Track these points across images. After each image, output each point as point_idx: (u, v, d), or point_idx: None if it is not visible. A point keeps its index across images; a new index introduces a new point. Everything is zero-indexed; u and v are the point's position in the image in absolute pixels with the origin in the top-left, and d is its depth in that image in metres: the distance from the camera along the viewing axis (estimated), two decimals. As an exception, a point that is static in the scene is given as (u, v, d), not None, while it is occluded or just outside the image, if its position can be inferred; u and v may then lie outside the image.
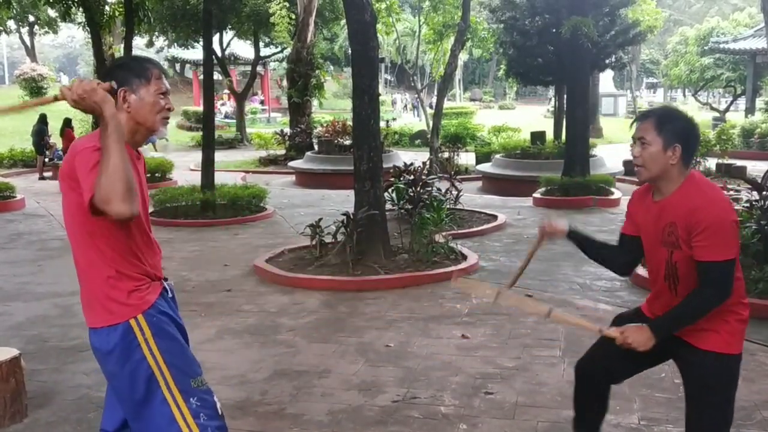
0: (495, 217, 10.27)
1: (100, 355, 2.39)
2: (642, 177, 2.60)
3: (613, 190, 12.74)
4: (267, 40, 29.34)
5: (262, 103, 43.58)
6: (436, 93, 21.54)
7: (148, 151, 21.38)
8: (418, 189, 8.69)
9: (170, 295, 2.57)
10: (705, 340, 2.56)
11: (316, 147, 19.72)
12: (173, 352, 2.41)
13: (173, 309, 2.55)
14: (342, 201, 11.80)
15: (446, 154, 18.05)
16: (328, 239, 7.78)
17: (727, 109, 33.86)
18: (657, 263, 2.65)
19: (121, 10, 15.93)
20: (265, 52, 30.90)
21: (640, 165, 2.57)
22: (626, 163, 16.80)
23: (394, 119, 33.85)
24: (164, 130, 2.54)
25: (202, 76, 12.55)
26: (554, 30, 14.46)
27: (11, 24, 36.09)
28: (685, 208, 2.48)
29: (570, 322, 2.75)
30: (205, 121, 11.67)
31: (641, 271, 6.84)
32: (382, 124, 14.34)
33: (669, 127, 2.52)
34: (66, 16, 16.73)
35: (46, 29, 38.07)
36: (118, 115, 2.25)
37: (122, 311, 2.34)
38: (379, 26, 14.41)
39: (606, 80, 38.14)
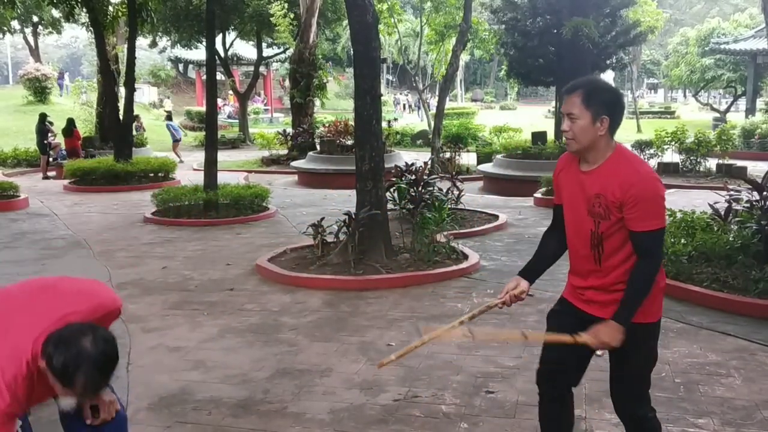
0: (496, 217, 10.29)
1: None
2: (572, 149, 2.64)
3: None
4: (269, 40, 29.41)
5: (264, 103, 43.63)
6: (437, 93, 21.56)
7: (147, 151, 21.38)
8: (420, 189, 8.70)
9: None
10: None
11: (318, 147, 19.74)
12: None
13: None
14: (344, 201, 11.82)
15: (448, 155, 18.06)
16: (330, 239, 7.80)
17: (727, 110, 33.88)
18: (582, 233, 2.69)
19: (124, 10, 16.00)
20: (267, 52, 30.97)
21: (571, 138, 2.60)
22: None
23: (395, 119, 33.86)
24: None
25: (205, 77, 12.55)
26: (555, 31, 14.49)
27: (15, 24, 36.16)
28: (616, 180, 2.53)
29: (548, 340, 2.77)
30: (208, 121, 11.70)
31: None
32: (384, 124, 14.38)
33: (596, 99, 2.56)
34: (70, 17, 16.81)
35: (50, 29, 38.06)
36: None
37: None
38: (381, 27, 14.44)
39: (607, 81, 38.12)
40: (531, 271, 3.03)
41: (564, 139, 2.66)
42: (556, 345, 2.80)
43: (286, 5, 22.42)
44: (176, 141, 23.09)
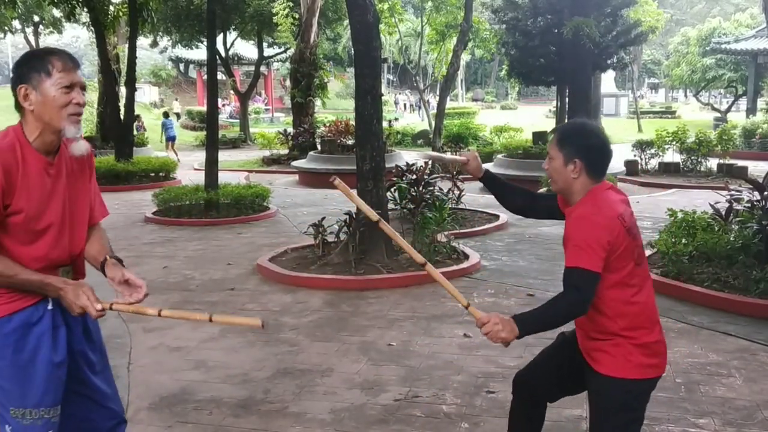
0: (497, 217, 10.29)
1: None
2: (553, 188, 2.70)
3: (615, 190, 12.72)
4: (270, 40, 29.39)
5: (265, 102, 43.64)
6: (438, 93, 21.57)
7: (145, 150, 21.40)
8: (421, 189, 8.69)
9: (50, 306, 2.32)
10: (600, 363, 2.54)
11: (319, 147, 19.72)
12: (2, 372, 2.25)
13: (60, 320, 2.35)
14: (344, 200, 11.77)
15: (448, 155, 18.05)
16: (330, 238, 7.80)
17: (728, 110, 33.89)
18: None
19: (125, 10, 16.00)
20: (268, 52, 30.95)
21: (550, 177, 2.67)
22: (627, 163, 16.83)
23: (396, 119, 33.90)
24: (74, 128, 2.29)
25: (205, 76, 12.55)
26: (556, 30, 14.49)
27: (16, 24, 36.14)
28: (569, 219, 2.55)
29: (442, 284, 2.63)
30: (209, 120, 11.70)
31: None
32: (385, 124, 14.38)
33: (568, 143, 2.58)
34: (71, 17, 16.80)
35: (51, 29, 38.05)
36: (60, 291, 2.23)
37: None
38: (381, 26, 14.44)
39: (607, 80, 38.15)
40: (495, 179, 3.04)
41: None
42: (552, 362, 2.81)
43: (290, 5, 22.40)
44: (171, 139, 23.21)
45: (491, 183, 3.02)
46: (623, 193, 2.67)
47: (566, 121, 16.08)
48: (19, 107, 2.27)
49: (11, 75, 2.28)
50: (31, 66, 2.24)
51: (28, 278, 2.23)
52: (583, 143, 2.58)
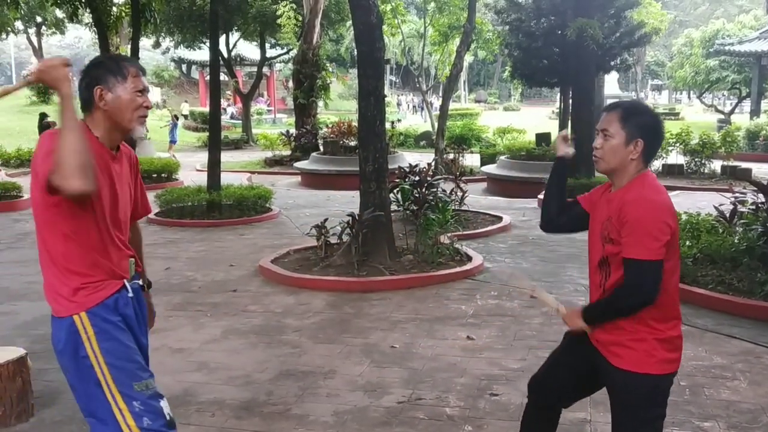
0: (500, 219, 10.27)
1: (54, 348, 2.41)
2: (599, 168, 2.53)
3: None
4: (273, 41, 29.43)
5: (268, 104, 43.66)
6: (441, 94, 21.55)
7: (149, 151, 21.41)
8: (423, 190, 8.68)
9: (130, 294, 2.49)
10: (619, 358, 2.47)
11: (321, 148, 19.73)
12: (116, 354, 2.36)
13: (134, 308, 2.50)
14: (347, 202, 11.80)
15: (451, 156, 18.05)
16: (333, 240, 7.79)
17: (732, 111, 33.81)
18: (594, 255, 2.60)
19: (128, 10, 16.00)
20: (271, 53, 30.98)
21: (600, 156, 2.49)
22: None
23: (399, 120, 33.89)
24: (141, 129, 2.49)
25: (208, 77, 12.55)
26: (560, 32, 14.46)
27: (19, 24, 36.24)
28: (623, 203, 2.40)
29: (541, 299, 2.76)
30: (211, 121, 11.69)
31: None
32: (388, 125, 14.36)
33: (634, 120, 2.44)
34: (73, 17, 16.80)
35: (54, 30, 38.21)
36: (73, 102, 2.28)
37: (67, 307, 2.35)
38: (384, 28, 14.42)
39: (611, 82, 38.02)
40: (566, 168, 2.82)
41: (593, 156, 2.52)
42: (564, 364, 2.76)
43: (293, 5, 22.41)
44: (173, 142, 23.75)
45: (564, 170, 2.82)
46: None
47: (568, 119, 16.15)
48: (86, 106, 2.42)
49: (82, 76, 2.42)
50: (107, 69, 2.41)
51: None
52: (650, 122, 2.47)
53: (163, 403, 2.43)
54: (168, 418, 2.42)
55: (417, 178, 8.96)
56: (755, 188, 7.36)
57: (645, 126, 2.44)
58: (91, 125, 2.42)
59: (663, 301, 2.40)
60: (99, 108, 2.39)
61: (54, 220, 2.32)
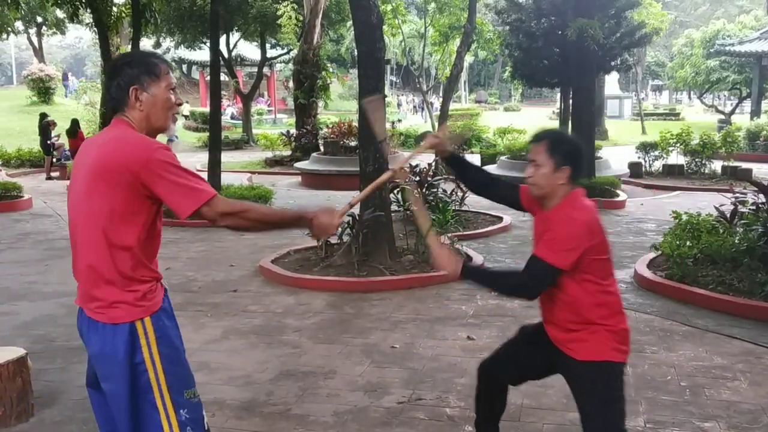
0: (500, 219, 10.27)
1: (99, 356, 2.33)
2: (533, 193, 2.82)
3: (618, 192, 12.72)
4: (273, 41, 29.39)
5: (268, 104, 43.65)
6: (441, 95, 21.55)
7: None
8: (424, 190, 8.68)
9: (167, 294, 2.54)
10: (577, 351, 2.72)
11: (321, 148, 19.70)
12: (172, 360, 2.36)
13: (172, 309, 2.53)
14: (348, 202, 11.78)
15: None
16: (333, 240, 7.78)
17: (732, 112, 33.77)
18: None
19: (128, 11, 16.00)
20: (271, 53, 30.94)
21: (532, 183, 2.79)
22: (631, 165, 16.79)
23: (399, 121, 33.85)
24: (173, 126, 2.50)
25: (208, 78, 12.55)
26: (560, 32, 14.44)
27: (19, 25, 36.24)
28: (551, 220, 2.72)
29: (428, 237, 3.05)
30: (211, 122, 11.69)
31: (648, 274, 6.85)
32: (388, 125, 14.36)
33: (559, 150, 2.72)
34: (74, 17, 16.81)
35: (54, 30, 38.19)
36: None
37: (131, 312, 2.30)
38: (385, 28, 14.41)
39: (611, 82, 38.07)
40: (462, 160, 3.29)
41: (527, 182, 2.83)
42: (516, 354, 3.05)
43: (295, 5, 22.40)
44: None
45: (455, 160, 3.22)
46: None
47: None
48: (120, 106, 2.37)
49: (113, 75, 2.38)
50: (141, 68, 2.36)
51: (283, 215, 2.55)
52: (573, 150, 2.76)
53: (204, 413, 2.45)
54: (206, 428, 2.44)
55: (417, 178, 8.96)
56: (756, 188, 7.35)
57: (569, 154, 2.74)
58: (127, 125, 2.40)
59: (608, 300, 2.72)
60: (135, 108, 2.35)
61: (137, 229, 2.29)
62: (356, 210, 7.66)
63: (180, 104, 2.46)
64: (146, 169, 2.22)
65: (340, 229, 7.56)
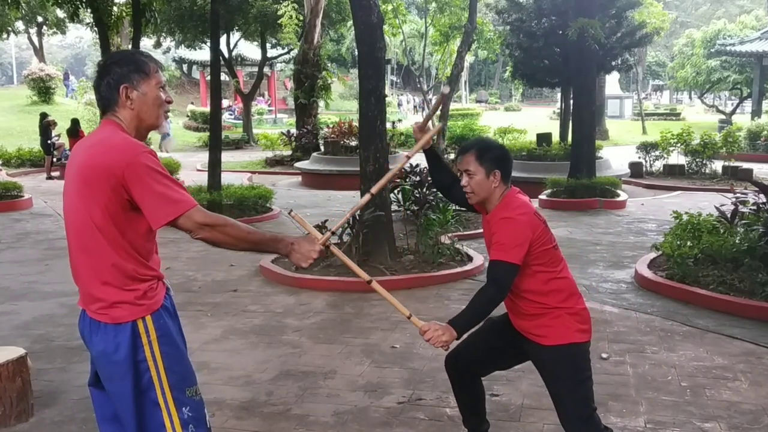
0: (501, 219, 10.25)
1: (101, 356, 2.33)
2: (472, 201, 3.00)
3: (619, 192, 12.71)
4: (274, 41, 29.39)
5: (268, 104, 43.64)
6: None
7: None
8: (424, 190, 8.67)
9: (172, 293, 2.52)
10: (543, 337, 2.91)
11: (322, 148, 19.71)
12: (174, 358, 2.36)
13: (174, 308, 2.51)
14: (348, 202, 11.80)
15: (452, 156, 18.03)
16: (333, 240, 7.77)
17: (733, 112, 33.79)
18: None
19: (128, 10, 15.98)
20: (271, 53, 30.95)
21: (470, 192, 2.95)
22: (632, 165, 16.79)
23: (400, 120, 33.84)
24: (166, 124, 2.48)
25: (209, 77, 12.55)
26: (561, 32, 14.45)
27: (20, 24, 36.27)
28: (492, 223, 2.91)
29: (386, 298, 2.99)
30: (212, 121, 11.68)
31: (649, 274, 6.84)
32: (389, 125, 14.34)
33: (487, 156, 2.91)
34: (74, 17, 16.78)
35: (55, 30, 38.21)
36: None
37: (132, 311, 2.30)
38: (385, 28, 14.41)
39: (612, 82, 38.07)
40: (436, 153, 3.36)
41: (464, 191, 2.99)
42: (483, 344, 3.19)
43: (295, 5, 22.39)
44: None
45: (431, 156, 3.32)
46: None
47: (569, 119, 16.17)
48: (110, 105, 2.37)
49: (102, 74, 2.38)
50: (130, 67, 2.36)
51: (262, 236, 2.58)
52: (500, 154, 2.96)
53: (206, 411, 2.46)
54: (208, 425, 2.46)
55: (418, 178, 8.95)
56: (756, 189, 7.35)
57: (497, 158, 2.93)
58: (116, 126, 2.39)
59: (562, 285, 2.92)
60: (125, 107, 2.35)
61: (132, 229, 2.29)
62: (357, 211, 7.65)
63: (170, 102, 2.46)
64: (129, 170, 2.21)
65: (341, 227, 7.57)
